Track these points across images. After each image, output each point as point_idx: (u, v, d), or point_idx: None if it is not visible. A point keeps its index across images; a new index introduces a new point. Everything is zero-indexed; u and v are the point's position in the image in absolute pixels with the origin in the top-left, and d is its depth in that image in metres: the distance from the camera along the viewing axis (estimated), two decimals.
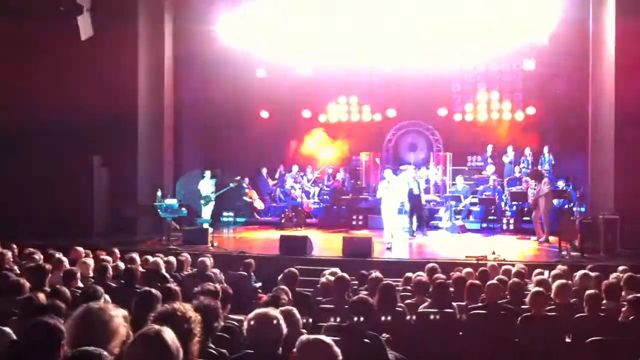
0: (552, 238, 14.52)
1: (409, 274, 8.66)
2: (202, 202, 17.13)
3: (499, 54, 18.12)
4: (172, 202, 15.19)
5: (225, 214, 18.87)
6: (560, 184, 17.31)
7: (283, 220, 18.03)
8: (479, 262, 11.37)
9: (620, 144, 13.33)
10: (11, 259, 9.17)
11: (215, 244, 13.99)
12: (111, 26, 14.93)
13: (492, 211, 17.64)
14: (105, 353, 2.93)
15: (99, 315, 3.34)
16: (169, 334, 2.95)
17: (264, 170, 21.04)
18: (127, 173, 15.84)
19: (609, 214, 13.12)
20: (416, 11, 16.67)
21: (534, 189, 15.59)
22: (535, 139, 19.29)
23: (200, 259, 9.72)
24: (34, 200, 14.84)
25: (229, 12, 17.33)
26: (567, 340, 6.30)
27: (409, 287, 8.24)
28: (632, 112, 13.14)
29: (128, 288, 7.44)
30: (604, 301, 6.85)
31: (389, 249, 13.97)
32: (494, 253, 12.36)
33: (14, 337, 4.79)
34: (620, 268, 8.86)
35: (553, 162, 18.65)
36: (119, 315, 3.40)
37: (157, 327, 3.00)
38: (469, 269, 9.13)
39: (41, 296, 5.70)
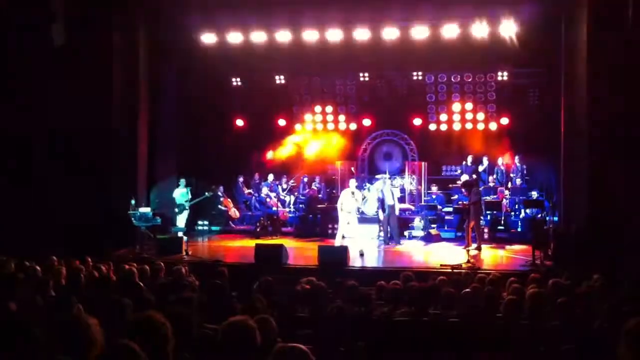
0: (524, 247, 14.65)
1: (383, 283, 8.67)
2: (177, 210, 17.00)
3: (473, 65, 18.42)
4: (146, 210, 15.09)
5: (200, 222, 18.78)
6: (534, 194, 17.47)
7: (258, 229, 17.98)
8: (454, 270, 11.46)
9: (593, 153, 13.45)
10: None
11: (190, 253, 13.92)
12: (84, 35, 14.83)
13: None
14: None
15: (77, 324, 3.31)
16: (137, 348, 2.94)
17: (240, 179, 20.96)
18: (101, 181, 15.63)
19: (581, 223, 13.27)
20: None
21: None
22: (509, 149, 19.51)
23: (174, 267, 9.66)
24: (4, 207, 14.60)
25: (204, 22, 17.31)
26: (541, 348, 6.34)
27: (383, 296, 8.25)
28: (604, 123, 13.26)
29: (101, 297, 7.36)
30: (577, 309, 6.91)
31: (362, 255, 14.10)
32: (468, 262, 12.44)
33: None
34: (594, 277, 8.95)
35: (525, 172, 18.82)
36: (95, 325, 3.36)
37: (125, 341, 2.98)
38: (443, 278, 9.16)
39: (12, 305, 5.62)
